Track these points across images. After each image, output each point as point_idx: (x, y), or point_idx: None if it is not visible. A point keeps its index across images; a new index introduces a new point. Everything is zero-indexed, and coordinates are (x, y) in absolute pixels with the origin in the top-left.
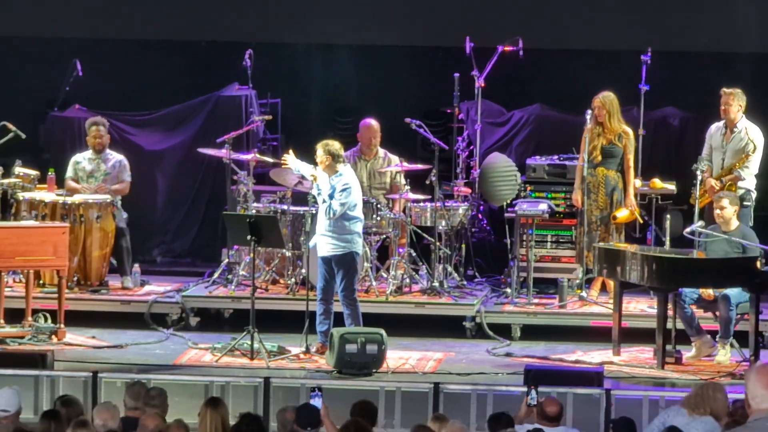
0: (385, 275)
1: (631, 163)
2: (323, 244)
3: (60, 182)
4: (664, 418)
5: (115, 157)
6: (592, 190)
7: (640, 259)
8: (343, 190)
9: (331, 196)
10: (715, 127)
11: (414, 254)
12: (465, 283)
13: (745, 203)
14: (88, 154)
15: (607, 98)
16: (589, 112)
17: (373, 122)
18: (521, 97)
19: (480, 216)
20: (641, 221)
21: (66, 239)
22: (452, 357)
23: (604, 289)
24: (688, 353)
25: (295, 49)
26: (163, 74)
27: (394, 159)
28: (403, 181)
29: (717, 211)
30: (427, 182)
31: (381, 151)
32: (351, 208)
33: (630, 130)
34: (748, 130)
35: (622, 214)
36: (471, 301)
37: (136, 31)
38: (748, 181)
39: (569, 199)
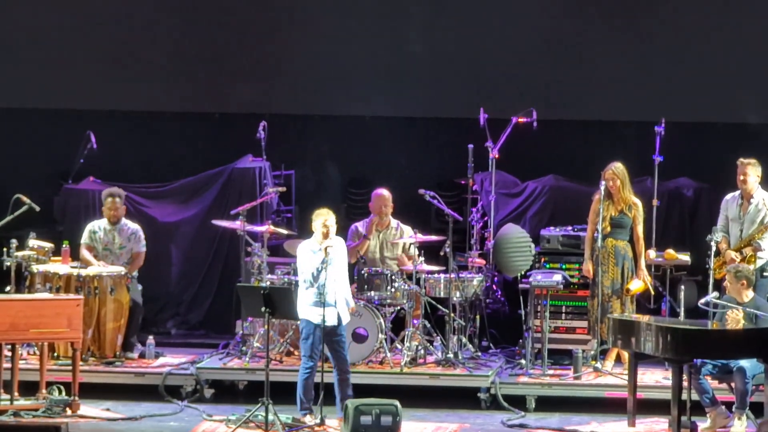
0: (399, 346)
1: (641, 234)
2: (343, 311)
3: (74, 252)
4: None
5: (131, 227)
6: (603, 261)
7: (654, 331)
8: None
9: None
10: (731, 198)
11: (428, 325)
12: (479, 354)
13: (765, 274)
14: (104, 224)
15: (618, 169)
16: (603, 183)
17: (385, 192)
18: (535, 167)
19: (494, 287)
20: (653, 292)
21: (80, 311)
22: (467, 428)
23: (618, 360)
24: (703, 424)
25: (308, 121)
26: (177, 146)
27: (407, 230)
28: (416, 252)
29: (724, 283)
30: (442, 253)
31: (393, 222)
32: None
33: (639, 201)
34: (765, 200)
35: (635, 285)
36: (486, 373)
37: (150, 103)
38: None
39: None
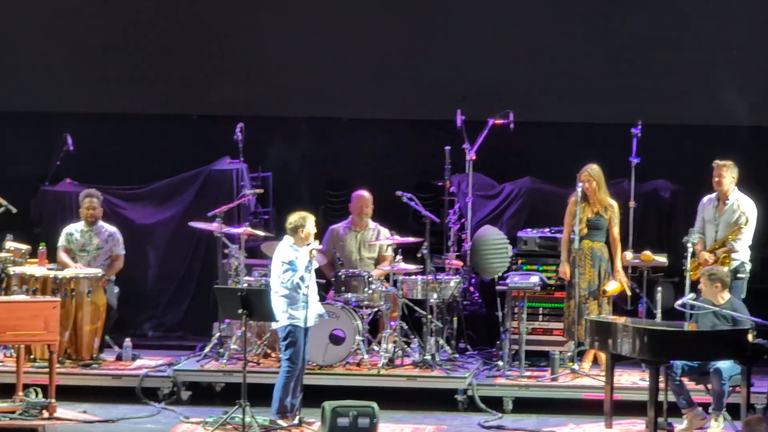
0: (376, 348)
1: (617, 235)
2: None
3: (51, 254)
4: None
5: (108, 229)
6: (579, 263)
7: (631, 332)
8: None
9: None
10: (708, 200)
11: (406, 327)
12: (457, 356)
13: (739, 275)
14: (81, 226)
15: (594, 171)
16: (580, 184)
17: (366, 193)
18: (512, 170)
19: (471, 289)
20: (630, 294)
21: (57, 314)
22: (444, 430)
23: (595, 361)
24: (679, 426)
25: (286, 123)
26: (154, 148)
27: (384, 232)
28: (392, 253)
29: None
30: (419, 255)
31: (371, 224)
32: None
33: (615, 203)
34: (741, 202)
35: (611, 286)
36: (463, 374)
37: (127, 105)
38: (742, 253)
39: None
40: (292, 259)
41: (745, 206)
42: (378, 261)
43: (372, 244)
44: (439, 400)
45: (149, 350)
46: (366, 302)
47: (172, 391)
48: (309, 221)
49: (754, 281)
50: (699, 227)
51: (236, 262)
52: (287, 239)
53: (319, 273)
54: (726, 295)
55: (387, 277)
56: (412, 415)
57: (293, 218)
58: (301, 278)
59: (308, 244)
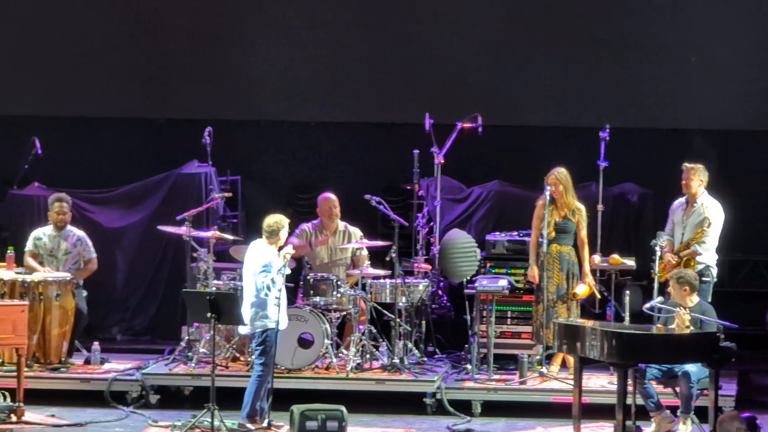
0: (345, 352)
1: (585, 239)
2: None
3: (20, 258)
4: None
5: (76, 233)
6: (548, 266)
7: (600, 335)
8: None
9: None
10: (678, 203)
11: (374, 331)
12: (425, 359)
13: (704, 279)
14: (49, 230)
15: (561, 174)
16: (548, 188)
17: (332, 195)
18: (480, 173)
19: (440, 292)
20: (599, 296)
21: (25, 317)
22: None
23: (564, 365)
24: (648, 429)
25: (254, 127)
26: (123, 152)
27: (356, 232)
28: (366, 253)
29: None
30: (387, 259)
31: (341, 224)
32: None
33: (582, 207)
34: (706, 205)
35: (580, 290)
36: (431, 378)
37: (96, 109)
38: (707, 256)
39: None
40: (270, 262)
41: (710, 209)
42: (353, 263)
43: (343, 247)
44: (408, 404)
45: (118, 354)
46: (335, 306)
47: (140, 394)
48: (286, 224)
49: (722, 285)
50: (669, 229)
51: (205, 266)
52: (261, 241)
53: (288, 278)
54: (695, 299)
55: (356, 281)
56: (381, 419)
57: (271, 221)
58: (272, 280)
59: (281, 248)
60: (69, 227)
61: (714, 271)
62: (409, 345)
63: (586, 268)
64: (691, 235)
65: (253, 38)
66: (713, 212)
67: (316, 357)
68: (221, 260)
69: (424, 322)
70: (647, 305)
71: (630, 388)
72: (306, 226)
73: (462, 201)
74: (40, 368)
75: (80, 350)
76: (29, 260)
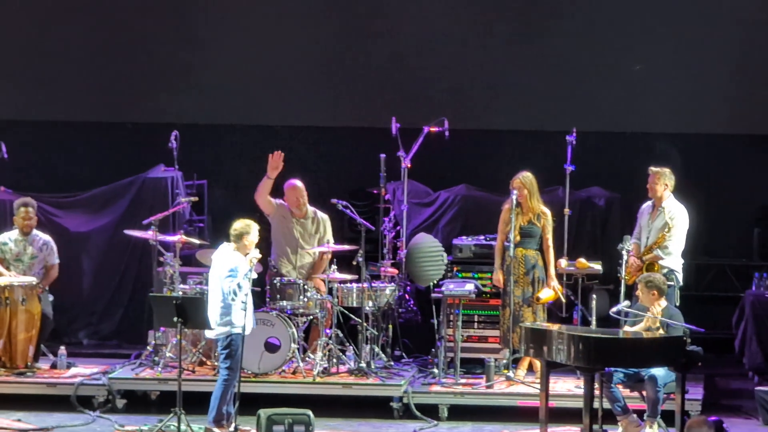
0: (312, 356)
1: (551, 243)
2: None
3: None
4: None
5: (42, 238)
6: (513, 270)
7: (566, 339)
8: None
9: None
10: (646, 206)
11: (341, 335)
12: (392, 363)
13: (668, 283)
14: (15, 235)
15: (526, 178)
16: (515, 191)
17: (298, 183)
18: (447, 177)
19: (407, 296)
20: (565, 301)
21: None
22: None
23: (530, 368)
24: None
25: (220, 131)
26: (89, 156)
27: (325, 218)
28: (331, 239)
29: (636, 292)
30: (354, 263)
31: (311, 210)
32: None
33: (548, 211)
34: (669, 209)
35: (545, 294)
36: (398, 382)
37: (61, 112)
38: (671, 260)
39: None
40: (236, 266)
41: (673, 213)
42: (315, 266)
43: (312, 235)
44: (375, 408)
45: (84, 358)
46: (301, 310)
47: (107, 399)
48: (254, 229)
49: (688, 288)
50: (637, 233)
51: (171, 270)
52: (228, 246)
53: (255, 282)
54: (663, 303)
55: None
56: (348, 423)
57: (239, 225)
58: (239, 285)
59: (248, 253)
60: (35, 232)
61: (679, 275)
62: (376, 349)
63: (552, 272)
64: (655, 239)
65: (219, 42)
66: (676, 216)
67: (282, 361)
68: (187, 264)
69: (390, 326)
70: (614, 309)
71: (597, 392)
72: (282, 203)
73: (429, 205)
74: (6, 373)
75: (47, 355)
76: None
